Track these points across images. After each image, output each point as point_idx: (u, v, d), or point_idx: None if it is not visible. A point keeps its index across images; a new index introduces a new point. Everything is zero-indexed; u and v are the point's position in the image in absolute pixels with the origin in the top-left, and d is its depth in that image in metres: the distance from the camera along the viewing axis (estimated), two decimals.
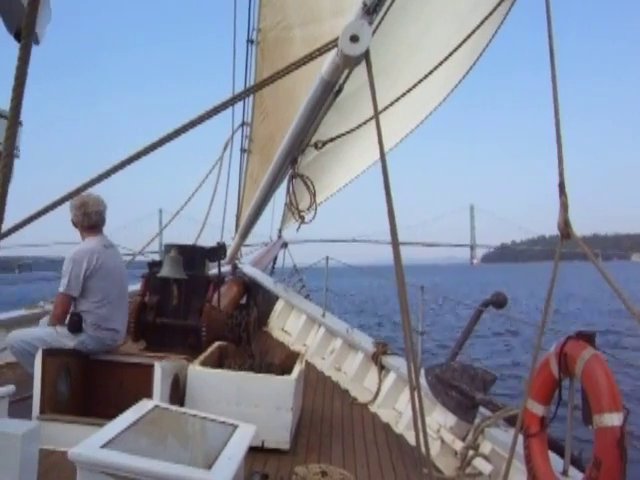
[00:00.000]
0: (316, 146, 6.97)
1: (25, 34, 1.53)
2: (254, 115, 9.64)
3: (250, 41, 9.00)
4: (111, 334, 4.91)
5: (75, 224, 5.03)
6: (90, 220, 5.01)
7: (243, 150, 10.27)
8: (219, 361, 5.28)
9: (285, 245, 12.82)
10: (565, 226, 2.93)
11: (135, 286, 7.31)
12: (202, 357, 5.04)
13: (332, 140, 7.00)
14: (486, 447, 4.55)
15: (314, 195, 7.23)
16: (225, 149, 9.95)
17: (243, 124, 9.99)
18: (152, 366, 4.46)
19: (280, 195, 9.21)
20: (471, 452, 4.56)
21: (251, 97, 9.38)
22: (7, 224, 1.65)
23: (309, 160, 8.70)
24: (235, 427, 3.51)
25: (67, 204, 4.94)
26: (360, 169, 10.85)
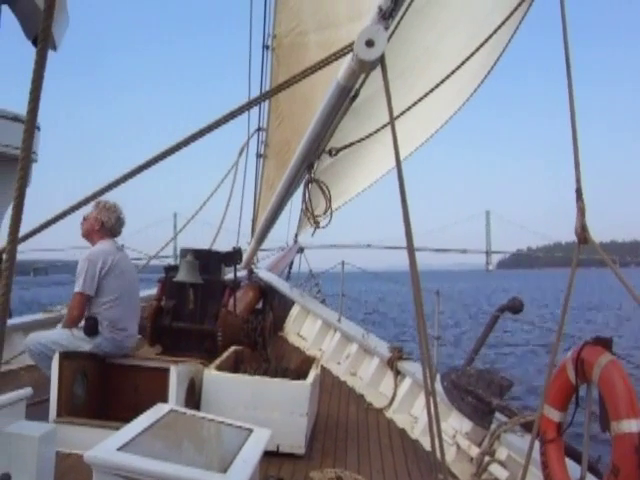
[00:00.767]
0: (330, 153, 6.97)
1: (42, 39, 1.55)
2: (270, 120, 9.68)
3: (266, 47, 9.04)
4: (126, 334, 4.95)
5: (102, 225, 5.08)
6: (120, 226, 5.20)
7: (259, 155, 10.30)
8: (235, 366, 5.29)
9: (301, 250, 12.83)
10: (582, 231, 2.93)
11: (151, 290, 7.35)
12: (218, 361, 5.05)
13: (346, 147, 6.99)
14: (502, 453, 4.52)
15: (330, 200, 7.22)
16: (241, 154, 9.98)
17: (259, 129, 10.02)
18: (168, 370, 4.48)
19: (296, 200, 9.20)
20: (487, 458, 4.53)
21: (266, 102, 9.42)
22: (25, 228, 1.67)
23: (326, 165, 8.70)
24: (250, 431, 3.50)
25: (100, 205, 5.10)
26: (377, 175, 10.84)
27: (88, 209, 5.10)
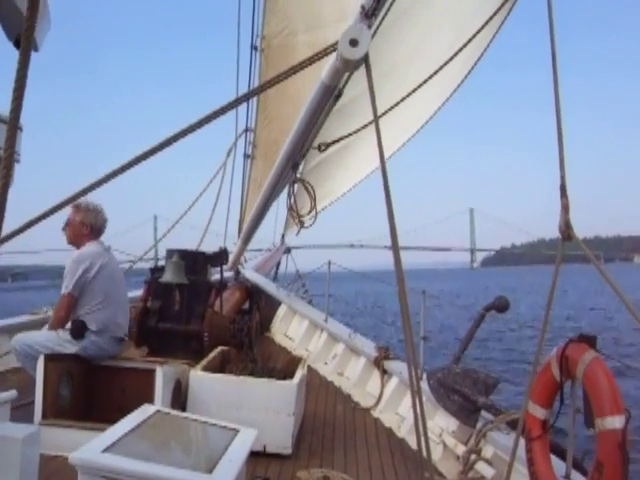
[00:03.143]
0: (319, 148, 6.97)
1: (24, 40, 1.55)
2: (258, 121, 9.67)
3: (254, 48, 9.02)
4: (114, 337, 4.92)
5: (91, 228, 5.03)
6: (103, 225, 5.15)
7: (247, 156, 10.29)
8: (221, 366, 5.28)
9: (288, 251, 12.82)
10: (566, 228, 2.94)
11: (136, 292, 7.32)
12: (204, 362, 5.05)
13: (335, 142, 6.99)
14: (488, 451, 4.54)
15: (314, 200, 7.23)
16: (228, 155, 9.97)
17: (247, 130, 10.01)
18: (154, 371, 4.46)
19: (283, 200, 9.20)
20: (473, 456, 4.55)
21: (254, 103, 9.42)
22: (5, 229, 1.65)
23: (312, 165, 8.70)
24: (236, 432, 3.50)
25: (82, 208, 5.04)
26: (362, 175, 10.85)
27: (67, 211, 5.03)
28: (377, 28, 4.74)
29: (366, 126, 6.50)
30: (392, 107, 6.32)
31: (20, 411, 4.03)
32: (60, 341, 4.72)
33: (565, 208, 2.96)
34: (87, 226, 5.03)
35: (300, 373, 5.00)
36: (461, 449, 4.79)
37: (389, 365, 6.47)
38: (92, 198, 5.11)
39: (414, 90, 6.36)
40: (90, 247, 4.98)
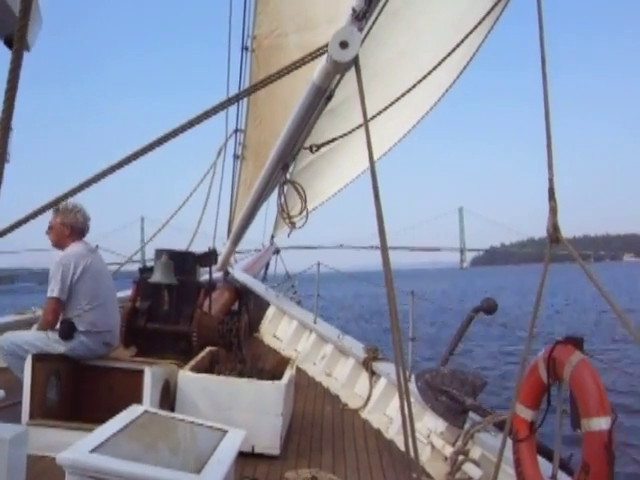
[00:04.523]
0: (311, 149, 6.98)
1: (17, 40, 1.54)
2: (248, 122, 9.67)
3: (245, 48, 9.02)
4: (103, 337, 4.89)
5: (72, 229, 4.99)
6: (85, 224, 5.09)
7: (236, 157, 10.28)
8: (210, 366, 5.28)
9: (277, 251, 12.82)
10: (554, 231, 2.96)
11: (125, 292, 7.30)
12: (193, 362, 5.04)
13: (327, 143, 7.00)
14: (476, 452, 4.55)
15: (305, 201, 7.25)
16: (218, 156, 9.96)
17: (237, 131, 10.01)
18: (142, 371, 4.45)
19: (273, 202, 9.20)
20: (461, 457, 4.56)
21: (245, 105, 9.42)
22: None
23: (302, 166, 8.72)
24: (225, 432, 3.51)
25: (60, 209, 4.97)
26: (353, 175, 10.88)
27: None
28: (368, 30, 4.75)
29: (357, 128, 6.52)
30: (383, 110, 6.33)
31: (7, 411, 4.02)
32: (49, 341, 4.70)
33: (553, 211, 2.98)
34: (67, 227, 4.98)
35: (289, 374, 5.01)
36: (449, 450, 4.80)
37: (377, 366, 6.48)
38: (80, 199, 5.09)
39: (405, 93, 6.37)
40: (73, 248, 4.94)
